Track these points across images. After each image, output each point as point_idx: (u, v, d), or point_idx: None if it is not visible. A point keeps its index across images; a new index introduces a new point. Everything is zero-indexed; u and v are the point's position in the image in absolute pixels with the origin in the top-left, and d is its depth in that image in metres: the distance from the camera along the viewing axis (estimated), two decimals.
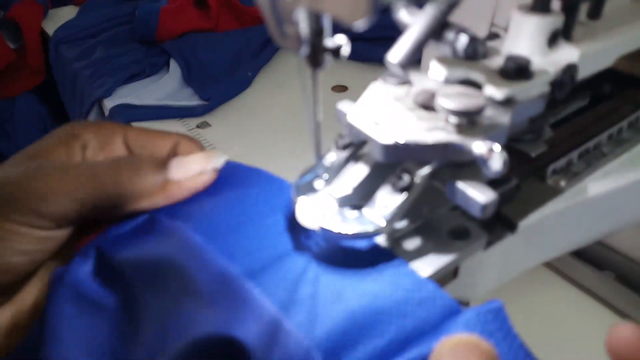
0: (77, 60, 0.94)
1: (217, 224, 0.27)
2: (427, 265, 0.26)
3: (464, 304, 0.32)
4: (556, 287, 0.49)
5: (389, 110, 0.26)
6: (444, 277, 0.27)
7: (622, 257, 0.48)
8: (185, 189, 0.28)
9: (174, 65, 0.86)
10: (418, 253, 0.27)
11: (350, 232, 0.24)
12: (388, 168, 0.26)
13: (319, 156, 0.27)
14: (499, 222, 0.29)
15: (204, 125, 0.76)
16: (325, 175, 0.27)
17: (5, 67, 1.06)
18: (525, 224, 0.29)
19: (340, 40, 0.19)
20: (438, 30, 0.25)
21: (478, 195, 0.24)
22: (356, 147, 0.27)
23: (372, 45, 0.78)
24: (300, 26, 0.18)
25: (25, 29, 1.05)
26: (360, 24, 0.15)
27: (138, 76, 0.86)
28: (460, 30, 0.25)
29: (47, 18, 1.13)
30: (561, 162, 0.32)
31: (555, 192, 0.31)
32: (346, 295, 0.23)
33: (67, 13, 1.15)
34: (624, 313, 0.47)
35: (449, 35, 0.25)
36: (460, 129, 0.24)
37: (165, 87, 0.83)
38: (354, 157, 0.27)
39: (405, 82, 0.28)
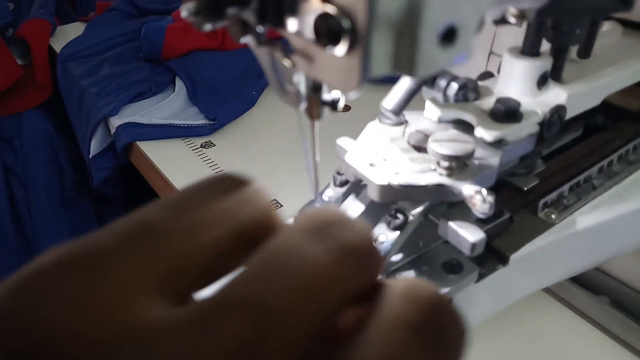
0: (84, 77, 0.96)
1: None
2: None
3: None
4: (552, 310, 0.50)
5: (384, 151, 0.27)
6: None
7: (617, 283, 0.49)
8: None
9: (179, 83, 0.88)
10: None
11: None
12: (383, 206, 0.27)
13: (317, 193, 0.28)
14: (491, 255, 0.30)
15: (208, 144, 0.77)
16: None
17: (13, 83, 1.08)
18: (516, 256, 0.30)
19: (337, 94, 0.21)
20: (431, 77, 0.26)
21: (468, 235, 0.25)
22: (353, 184, 0.29)
23: None
24: (300, 86, 0.19)
25: (33, 46, 1.06)
26: (353, 94, 0.16)
27: (144, 94, 0.87)
28: (452, 77, 0.26)
29: (55, 35, 1.15)
30: (552, 196, 0.33)
31: (546, 225, 0.32)
32: None
33: (74, 30, 1.17)
34: (618, 337, 0.48)
35: (441, 82, 0.26)
36: (451, 171, 0.26)
37: (171, 105, 0.84)
38: (351, 194, 0.29)
39: (401, 123, 0.29)
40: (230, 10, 0.17)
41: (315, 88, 0.20)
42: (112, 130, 0.83)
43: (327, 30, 0.15)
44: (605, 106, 0.41)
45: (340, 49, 0.15)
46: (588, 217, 0.33)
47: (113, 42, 1.03)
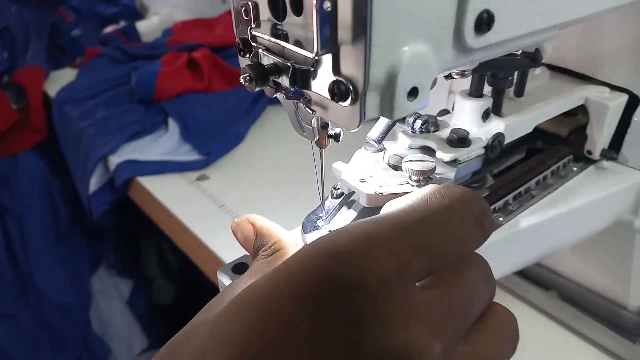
0: (81, 119, 1.03)
1: None
2: None
3: None
4: (511, 306, 0.59)
5: (370, 170, 0.36)
6: None
7: (564, 279, 0.58)
8: None
9: (172, 123, 0.96)
10: None
11: None
12: (371, 211, 0.36)
13: (323, 203, 0.37)
14: None
15: (203, 177, 0.86)
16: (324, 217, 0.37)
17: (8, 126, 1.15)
18: None
19: (338, 130, 0.30)
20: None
21: None
22: (347, 196, 0.37)
23: None
24: (314, 125, 0.28)
25: (29, 91, 1.14)
26: (354, 130, 0.25)
27: (140, 134, 0.95)
28: (418, 116, 0.35)
29: (47, 80, 1.23)
30: (499, 203, 0.43)
31: (496, 226, 0.41)
32: None
33: (65, 75, 1.25)
34: (567, 325, 0.57)
35: (409, 119, 0.35)
36: (420, 183, 0.35)
37: (166, 143, 0.93)
38: (346, 203, 0.37)
39: (381, 150, 0.38)
40: (270, 79, 0.26)
41: (323, 126, 0.29)
42: (111, 168, 0.91)
43: (339, 91, 0.24)
44: (541, 133, 0.51)
45: (347, 102, 0.24)
46: (528, 218, 0.42)
47: (105, 86, 1.11)
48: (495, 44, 0.26)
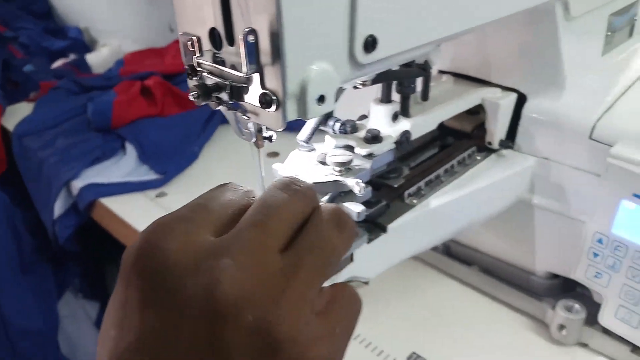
0: (41, 149, 1.08)
1: None
2: None
3: (365, 283, 0.50)
4: (438, 280, 0.69)
5: (303, 167, 0.45)
6: (344, 261, 0.45)
7: (483, 254, 0.67)
8: None
9: (130, 147, 1.03)
10: None
11: None
12: None
13: None
14: (376, 227, 0.48)
15: (161, 194, 0.92)
16: None
17: None
18: (392, 226, 0.48)
19: (271, 132, 0.38)
20: (325, 119, 0.44)
21: (355, 207, 0.43)
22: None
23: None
24: (251, 129, 0.36)
25: None
26: (280, 129, 0.33)
27: (99, 159, 1.01)
28: (337, 120, 0.44)
29: (4, 115, 1.27)
30: (413, 189, 0.52)
31: (410, 207, 0.50)
32: None
33: (22, 109, 1.29)
34: (488, 293, 0.67)
35: (330, 122, 0.44)
36: (341, 173, 0.43)
37: (125, 166, 0.99)
38: None
39: (311, 149, 0.47)
40: (213, 95, 0.34)
41: (259, 130, 0.38)
42: (74, 192, 0.96)
43: (265, 101, 0.32)
44: (451, 131, 0.61)
45: (272, 109, 0.32)
46: (437, 200, 0.52)
47: (63, 117, 1.16)
48: (381, 60, 0.35)
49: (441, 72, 0.63)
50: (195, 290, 0.23)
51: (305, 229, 0.28)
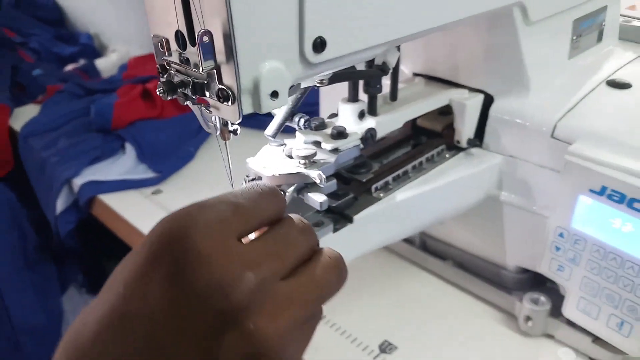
0: (44, 149, 1.13)
1: None
2: None
3: None
4: (415, 274, 0.71)
5: (271, 160, 0.48)
6: None
7: (457, 249, 0.70)
8: None
9: (129, 147, 1.07)
10: None
11: None
12: None
13: (232, 186, 0.48)
14: (343, 218, 0.51)
15: (157, 192, 0.96)
16: None
17: None
18: (358, 217, 0.51)
19: (236, 126, 0.41)
20: (291, 115, 0.47)
21: (318, 197, 0.46)
22: (255, 180, 0.49)
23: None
24: (215, 122, 0.39)
25: None
26: (237, 121, 0.36)
27: (99, 158, 1.06)
28: (302, 116, 0.47)
29: (12, 116, 1.32)
30: (381, 183, 0.55)
31: (377, 199, 0.53)
32: None
33: (28, 111, 1.34)
34: (461, 287, 0.69)
35: (296, 119, 0.47)
36: (306, 166, 0.46)
37: (124, 165, 1.03)
38: None
39: (281, 144, 0.50)
40: (178, 90, 0.38)
41: (224, 124, 0.41)
42: (75, 189, 1.00)
43: (223, 96, 0.35)
44: (424, 130, 0.64)
45: (230, 103, 0.35)
46: (404, 193, 0.55)
47: (66, 119, 1.21)
48: (331, 60, 0.38)
49: (415, 74, 0.66)
50: (214, 293, 0.26)
51: (311, 266, 0.30)
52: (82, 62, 1.63)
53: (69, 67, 1.59)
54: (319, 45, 0.37)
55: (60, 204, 1.03)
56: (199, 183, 0.97)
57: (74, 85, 1.35)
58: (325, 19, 0.36)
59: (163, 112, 1.16)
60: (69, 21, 1.96)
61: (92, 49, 1.76)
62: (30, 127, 1.20)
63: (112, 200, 0.94)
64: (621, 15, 0.77)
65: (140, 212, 0.90)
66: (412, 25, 0.42)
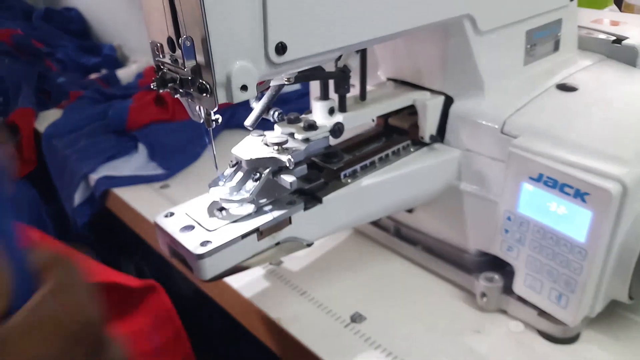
0: (66, 148, 1.23)
1: None
2: (274, 216, 0.56)
3: (308, 245, 0.61)
4: (389, 258, 0.80)
5: (251, 147, 0.57)
6: (283, 223, 0.57)
7: (425, 235, 0.78)
8: None
9: (141, 147, 1.17)
10: (271, 212, 0.57)
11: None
12: (251, 170, 0.56)
13: (218, 170, 0.57)
14: (314, 200, 0.60)
15: (165, 186, 1.06)
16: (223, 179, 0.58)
17: None
18: (327, 198, 0.59)
19: (218, 115, 0.50)
20: (267, 109, 0.56)
21: (288, 178, 0.55)
22: (237, 164, 0.58)
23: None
24: (199, 111, 0.49)
25: (22, 129, 1.34)
26: (213, 109, 0.45)
27: (114, 157, 1.16)
28: (276, 110, 0.57)
29: (37, 119, 1.43)
30: (349, 171, 0.63)
31: (344, 184, 0.62)
32: None
33: (52, 115, 1.45)
34: (429, 269, 0.77)
35: (271, 112, 0.56)
36: (280, 151, 0.55)
37: (136, 163, 1.13)
38: (238, 169, 0.58)
39: (261, 135, 0.59)
40: (168, 84, 0.47)
41: (209, 113, 0.50)
42: (92, 184, 1.11)
43: (201, 88, 0.44)
44: (394, 128, 0.72)
45: (207, 95, 0.44)
46: (369, 180, 0.63)
47: (86, 121, 1.32)
48: (292, 61, 0.47)
49: (389, 79, 0.75)
50: None
51: None
52: (104, 71, 1.75)
53: (92, 76, 1.70)
54: (281, 48, 0.46)
55: (78, 197, 1.13)
56: (202, 179, 1.06)
57: (93, 92, 1.46)
58: (286, 26, 0.45)
59: (174, 115, 1.26)
60: (93, 33, 2.08)
61: (114, 59, 1.87)
62: (53, 129, 1.31)
63: (125, 194, 1.04)
64: (585, 27, 0.85)
65: (149, 204, 1.00)
66: (365, 33, 0.51)
